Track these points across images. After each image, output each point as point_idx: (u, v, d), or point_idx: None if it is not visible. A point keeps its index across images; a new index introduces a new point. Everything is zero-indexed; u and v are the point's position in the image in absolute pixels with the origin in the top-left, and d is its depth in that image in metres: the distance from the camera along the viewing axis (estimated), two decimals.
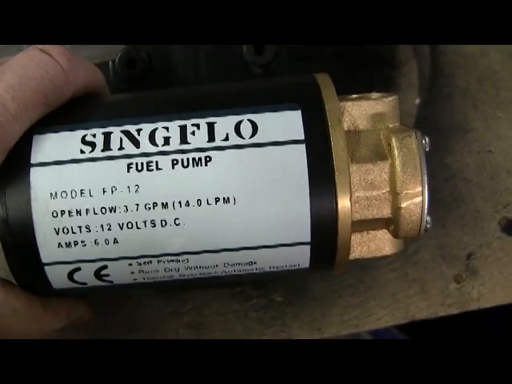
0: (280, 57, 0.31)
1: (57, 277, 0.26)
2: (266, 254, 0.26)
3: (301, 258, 0.26)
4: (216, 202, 0.25)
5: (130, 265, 0.26)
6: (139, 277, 0.26)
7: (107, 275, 0.26)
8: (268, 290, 0.36)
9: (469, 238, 0.36)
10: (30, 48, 0.26)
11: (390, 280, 0.36)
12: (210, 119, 0.25)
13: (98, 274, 0.26)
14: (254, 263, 0.26)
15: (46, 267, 0.25)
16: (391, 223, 0.26)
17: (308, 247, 0.26)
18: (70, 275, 0.26)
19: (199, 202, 0.25)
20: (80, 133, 0.25)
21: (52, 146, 0.25)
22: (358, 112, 0.26)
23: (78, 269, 0.26)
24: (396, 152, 0.25)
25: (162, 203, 0.25)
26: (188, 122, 0.25)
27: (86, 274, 0.26)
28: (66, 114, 0.26)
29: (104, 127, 0.25)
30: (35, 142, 0.25)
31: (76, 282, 0.26)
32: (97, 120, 0.26)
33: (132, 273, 0.26)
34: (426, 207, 0.25)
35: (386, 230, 0.27)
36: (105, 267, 0.26)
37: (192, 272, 0.26)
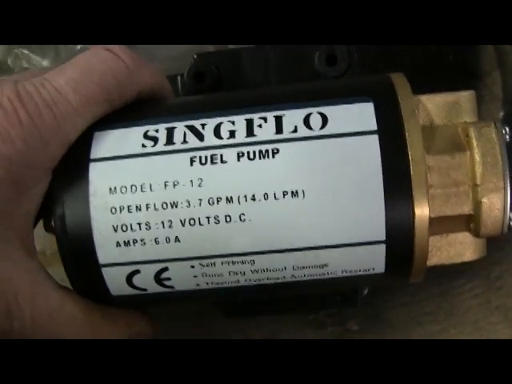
0: (352, 68, 0.30)
1: (115, 281, 0.25)
2: (337, 255, 0.24)
3: (375, 259, 0.24)
4: (284, 195, 0.23)
5: (193, 267, 0.24)
6: (202, 281, 0.25)
7: (168, 279, 0.24)
8: (343, 317, 0.34)
9: None
10: (94, 47, 0.26)
11: (471, 307, 0.33)
12: (278, 112, 0.24)
13: (158, 277, 0.24)
14: (325, 266, 0.24)
15: (103, 269, 0.24)
16: (472, 220, 0.24)
17: (383, 247, 0.23)
18: (129, 279, 0.24)
19: (266, 195, 0.23)
20: (142, 128, 0.25)
21: (113, 141, 0.24)
22: (434, 106, 0.25)
23: (137, 271, 0.24)
24: (475, 142, 0.23)
25: (227, 197, 0.23)
26: (255, 116, 0.24)
27: (146, 278, 0.24)
28: (129, 112, 0.26)
29: (167, 123, 0.25)
30: (96, 138, 0.25)
31: (135, 287, 0.25)
32: (160, 117, 0.25)
33: (195, 276, 0.24)
34: (508, 200, 0.23)
35: (466, 234, 0.25)
36: (165, 269, 0.24)
37: (259, 276, 0.24)
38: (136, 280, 0.25)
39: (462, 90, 0.25)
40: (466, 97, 0.25)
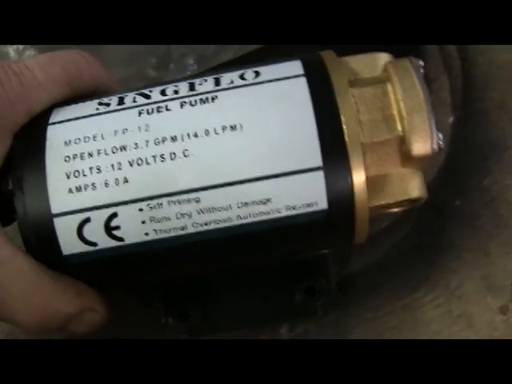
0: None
1: (66, 233, 0.25)
2: (279, 186, 0.25)
3: (316, 190, 0.25)
4: (223, 130, 0.25)
5: (141, 210, 0.25)
6: (150, 229, 0.25)
7: (117, 227, 0.25)
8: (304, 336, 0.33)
9: None
10: None
11: (434, 318, 0.33)
12: (217, 75, 0.27)
13: (107, 225, 0.25)
14: (269, 201, 0.25)
15: (55, 219, 0.25)
16: (403, 143, 0.25)
17: (321, 174, 0.25)
18: (80, 230, 0.25)
19: (207, 131, 0.25)
20: (97, 100, 0.27)
21: (70, 110, 0.27)
22: (356, 64, 0.27)
23: (88, 220, 0.25)
24: (392, 72, 0.26)
25: (171, 137, 0.25)
26: (196, 80, 0.27)
27: (96, 227, 0.25)
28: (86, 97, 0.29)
29: (120, 94, 0.27)
30: (55, 110, 0.27)
31: (86, 241, 0.25)
32: (114, 93, 0.28)
33: (143, 222, 0.25)
34: (432, 117, 0.25)
35: (402, 170, 0.26)
36: (115, 215, 0.25)
37: (205, 218, 0.25)
38: (87, 231, 0.25)
39: None
40: (384, 55, 0.28)
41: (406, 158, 0.26)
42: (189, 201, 0.25)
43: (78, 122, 0.26)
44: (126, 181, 0.25)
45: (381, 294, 0.33)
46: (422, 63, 0.26)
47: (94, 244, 0.26)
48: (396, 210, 0.27)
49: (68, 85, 0.28)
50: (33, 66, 0.27)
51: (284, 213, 0.25)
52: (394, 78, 0.26)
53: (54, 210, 0.25)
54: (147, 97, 0.27)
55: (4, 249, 0.25)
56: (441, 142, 0.25)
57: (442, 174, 0.34)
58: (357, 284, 0.33)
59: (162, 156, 0.25)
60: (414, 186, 0.26)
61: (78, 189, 0.25)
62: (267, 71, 0.27)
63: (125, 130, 0.26)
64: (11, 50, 0.35)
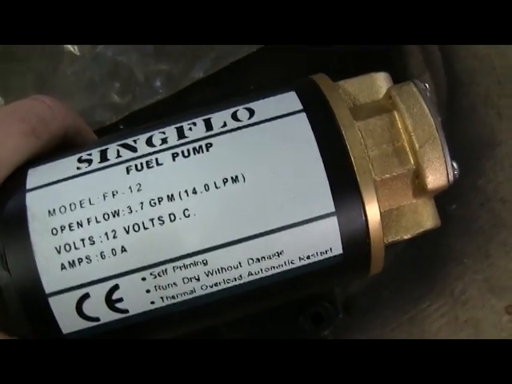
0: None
1: (64, 312, 0.23)
2: (290, 238, 0.23)
3: (330, 237, 0.23)
4: (224, 183, 0.23)
5: (144, 279, 0.23)
6: (157, 297, 0.23)
7: (120, 300, 0.23)
8: None
9: None
10: None
11: (441, 327, 0.32)
12: (206, 116, 0.25)
13: (109, 299, 0.23)
14: (281, 254, 0.23)
15: (50, 299, 0.23)
16: (416, 176, 0.24)
17: (334, 220, 0.23)
18: (79, 306, 0.23)
19: (206, 186, 0.23)
20: (76, 156, 0.25)
21: (48, 171, 0.24)
22: (353, 88, 0.26)
23: (87, 295, 0.23)
24: (398, 99, 0.24)
25: (168, 196, 0.23)
26: (184, 123, 0.25)
27: (97, 302, 0.23)
28: (61, 152, 0.26)
29: (100, 146, 0.25)
30: (30, 172, 0.24)
31: (87, 317, 0.23)
32: (92, 144, 0.25)
33: (148, 291, 0.23)
34: (445, 146, 0.23)
35: (416, 201, 0.25)
36: (116, 288, 0.23)
37: (215, 279, 0.23)
38: (86, 307, 0.23)
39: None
40: (381, 76, 0.26)
41: (420, 189, 0.24)
42: (195, 264, 0.23)
43: (59, 185, 0.24)
44: (123, 250, 0.23)
45: (385, 310, 0.32)
46: (427, 86, 0.25)
47: (95, 319, 0.23)
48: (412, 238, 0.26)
49: (32, 134, 0.25)
50: None
51: (297, 263, 0.24)
52: (400, 105, 0.24)
53: (48, 289, 0.23)
54: (133, 149, 0.24)
55: None
56: (456, 172, 0.24)
57: None
58: (359, 303, 0.32)
59: (160, 218, 0.23)
60: (427, 217, 0.25)
61: (72, 264, 0.23)
62: (261, 108, 0.24)
63: (115, 192, 0.23)
64: None
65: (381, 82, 0.26)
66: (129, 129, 0.26)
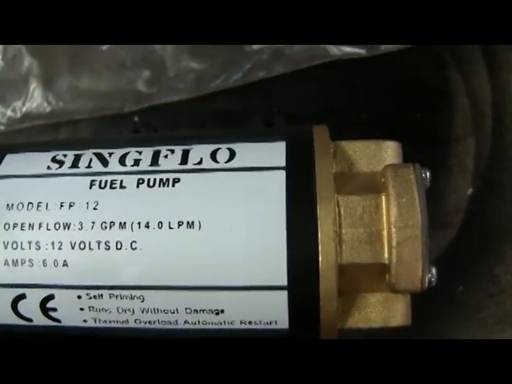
0: None
1: (1, 305, 0.23)
2: (234, 299, 0.22)
3: (277, 310, 0.22)
4: (179, 225, 0.22)
5: (79, 297, 0.22)
6: (89, 317, 0.23)
7: (54, 309, 0.23)
8: None
9: None
10: None
11: None
12: (187, 147, 0.23)
13: (44, 305, 0.23)
14: (222, 312, 0.22)
15: None
16: (387, 271, 0.21)
17: (285, 294, 0.21)
18: (14, 304, 0.23)
19: (160, 224, 0.22)
20: (52, 153, 0.24)
21: (21, 162, 0.24)
22: (353, 152, 0.23)
23: (23, 296, 0.23)
24: (390, 182, 0.21)
25: (120, 223, 0.22)
26: (163, 148, 0.23)
27: (32, 305, 0.23)
28: (45, 142, 0.25)
29: (77, 150, 0.24)
30: (7, 158, 0.24)
31: (21, 316, 0.23)
32: (73, 144, 0.25)
33: (81, 309, 0.23)
34: (426, 248, 0.21)
35: (384, 294, 0.22)
36: (51, 297, 0.22)
37: (149, 317, 0.22)
38: (21, 307, 0.23)
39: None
40: (389, 146, 0.23)
41: (389, 286, 0.22)
42: (132, 297, 0.22)
43: (25, 180, 0.23)
44: (65, 264, 0.22)
45: None
46: (428, 174, 0.22)
47: (29, 320, 0.23)
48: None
49: None
50: None
51: (238, 326, 0.22)
52: (390, 190, 0.21)
53: None
54: (104, 163, 0.23)
55: None
56: (433, 280, 0.21)
57: (449, 254, 0.30)
58: None
59: (106, 243, 0.22)
60: (395, 314, 0.23)
61: (15, 262, 0.22)
62: (243, 153, 0.23)
63: (72, 204, 0.22)
64: None
65: (387, 152, 0.23)
66: (112, 136, 0.25)
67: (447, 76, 0.32)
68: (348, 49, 0.31)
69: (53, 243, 0.22)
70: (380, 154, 0.23)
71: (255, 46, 0.31)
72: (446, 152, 0.31)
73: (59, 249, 0.22)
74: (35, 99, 0.31)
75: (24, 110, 0.31)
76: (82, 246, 0.22)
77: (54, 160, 0.24)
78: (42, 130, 0.32)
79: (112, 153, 0.24)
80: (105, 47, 0.31)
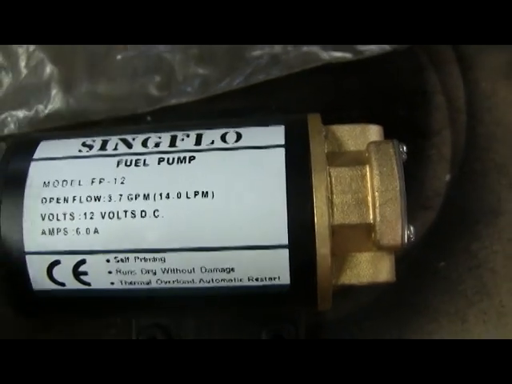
0: None
1: (37, 271, 0.26)
2: (243, 258, 0.25)
3: (279, 266, 0.25)
4: (195, 195, 0.25)
5: (108, 261, 0.26)
6: (116, 279, 0.26)
7: (85, 273, 0.26)
8: None
9: (490, 335, 0.33)
10: None
11: None
12: (200, 131, 0.27)
13: (76, 270, 0.26)
14: (232, 270, 0.25)
15: (27, 257, 0.26)
16: (372, 230, 0.25)
17: (286, 251, 0.25)
18: (50, 270, 0.26)
19: (179, 194, 0.25)
20: (82, 139, 0.28)
21: (56, 147, 0.28)
22: (342, 134, 0.27)
23: (58, 262, 0.26)
24: (373, 156, 0.25)
25: (144, 194, 0.25)
26: (179, 133, 0.27)
27: (65, 270, 0.26)
28: (74, 132, 0.29)
29: (105, 136, 0.28)
30: (42, 144, 0.28)
31: (55, 280, 0.26)
32: (101, 132, 0.28)
33: (109, 272, 0.26)
34: (404, 210, 0.24)
35: (372, 253, 0.26)
36: (83, 262, 0.26)
37: (169, 277, 0.26)
38: (56, 272, 0.26)
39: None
40: (372, 128, 0.27)
41: (376, 244, 0.25)
42: (154, 259, 0.26)
43: (59, 162, 0.27)
44: (96, 231, 0.26)
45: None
46: (405, 149, 0.26)
47: (62, 284, 0.26)
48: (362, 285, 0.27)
49: None
50: None
51: (246, 283, 0.26)
52: (373, 161, 0.25)
53: (27, 248, 0.26)
54: (129, 145, 0.27)
55: None
56: (411, 236, 0.25)
57: (431, 233, 0.34)
58: (330, 332, 0.33)
59: (132, 212, 0.25)
60: (381, 271, 0.26)
61: (51, 231, 0.26)
62: (249, 135, 0.26)
63: (101, 180, 0.26)
64: (20, 50, 0.35)
65: (370, 134, 0.27)
66: (135, 126, 0.29)
67: (425, 77, 0.37)
68: (336, 54, 0.35)
69: (85, 214, 0.26)
70: (365, 135, 0.27)
71: (255, 53, 0.35)
72: (425, 143, 0.35)
73: (91, 218, 0.26)
74: (56, 103, 0.35)
75: (46, 112, 0.35)
76: (111, 215, 0.25)
77: (84, 144, 0.27)
78: (63, 130, 0.36)
79: (135, 137, 0.27)
80: (119, 56, 0.35)
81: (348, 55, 0.35)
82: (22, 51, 0.34)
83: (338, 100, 0.33)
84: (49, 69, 0.35)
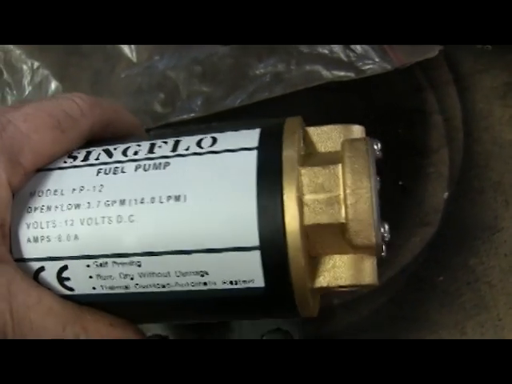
0: None
1: None
2: (216, 260, 0.25)
3: (252, 268, 0.25)
4: (168, 199, 0.25)
5: (88, 266, 0.26)
6: (97, 284, 0.26)
7: (68, 279, 0.27)
8: None
9: None
10: None
11: None
12: (177, 138, 0.28)
13: (59, 276, 0.27)
14: (206, 273, 0.25)
15: (15, 263, 0.27)
16: (345, 230, 0.24)
17: (258, 253, 0.25)
18: (36, 276, 0.27)
19: (153, 199, 0.26)
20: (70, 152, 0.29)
21: None
22: (320, 136, 0.27)
23: (42, 268, 0.27)
24: (346, 153, 0.24)
25: (120, 200, 0.26)
26: (158, 141, 0.28)
27: (50, 276, 0.27)
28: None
29: (89, 148, 0.29)
30: None
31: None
32: (85, 146, 0.29)
33: (90, 277, 0.26)
34: (376, 208, 0.23)
35: (350, 255, 0.25)
36: (65, 268, 0.26)
37: (146, 281, 0.26)
38: (42, 278, 0.27)
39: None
40: (354, 128, 0.26)
41: (349, 244, 0.24)
42: (131, 263, 0.26)
43: (46, 173, 0.28)
44: (76, 237, 0.26)
45: None
46: (379, 146, 0.25)
47: (48, 290, 0.27)
48: (345, 290, 0.26)
49: (56, 128, 0.28)
50: (16, 117, 0.28)
51: (220, 286, 0.25)
52: (346, 159, 0.24)
53: (14, 255, 0.27)
54: (110, 155, 0.28)
55: (31, 292, 0.27)
56: (386, 235, 0.24)
57: (430, 249, 0.34)
58: None
59: (109, 218, 0.26)
60: (362, 273, 0.25)
61: (35, 239, 0.27)
62: (224, 139, 0.26)
63: (81, 188, 0.27)
64: (25, 67, 0.37)
65: (352, 134, 0.26)
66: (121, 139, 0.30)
67: (423, 97, 0.37)
68: (339, 72, 0.35)
69: (66, 221, 0.26)
70: (345, 135, 0.26)
71: (258, 71, 0.36)
72: (424, 162, 0.36)
73: (71, 225, 0.26)
74: None
75: None
76: (90, 221, 0.26)
77: (69, 156, 0.28)
78: None
79: (117, 147, 0.28)
80: (123, 75, 0.36)
81: (350, 74, 0.35)
82: (26, 68, 0.36)
83: (339, 118, 0.33)
84: (53, 85, 0.36)
